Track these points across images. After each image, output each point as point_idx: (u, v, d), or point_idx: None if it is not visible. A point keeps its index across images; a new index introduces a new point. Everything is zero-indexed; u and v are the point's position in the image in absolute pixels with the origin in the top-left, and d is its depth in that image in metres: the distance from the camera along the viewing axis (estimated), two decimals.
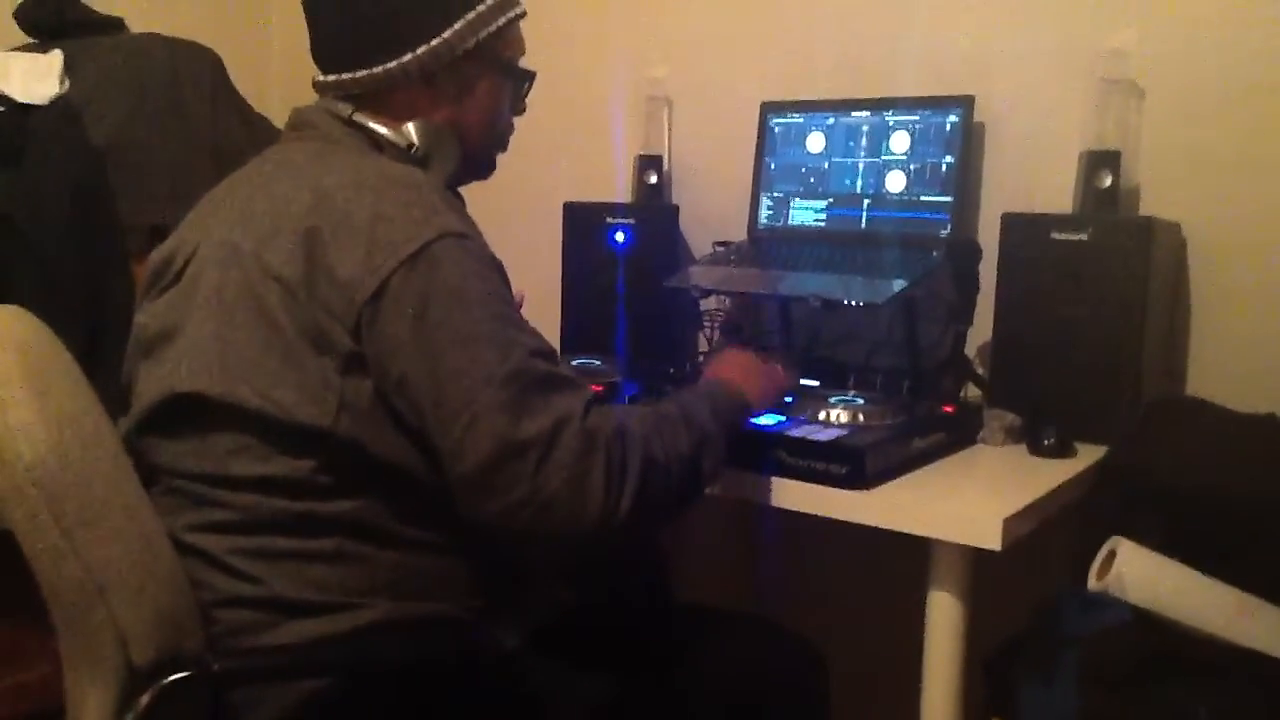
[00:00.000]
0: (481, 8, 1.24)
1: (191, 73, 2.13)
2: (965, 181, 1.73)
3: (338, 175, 1.10)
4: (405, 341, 1.01)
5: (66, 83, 1.92)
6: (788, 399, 1.43)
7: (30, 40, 2.10)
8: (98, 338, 1.77)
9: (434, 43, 1.20)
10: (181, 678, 0.98)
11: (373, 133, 1.21)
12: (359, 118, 1.21)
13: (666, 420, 1.12)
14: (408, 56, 1.20)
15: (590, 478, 1.00)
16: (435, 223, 1.06)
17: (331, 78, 1.22)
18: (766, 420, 1.35)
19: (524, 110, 1.36)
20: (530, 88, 1.35)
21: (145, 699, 0.96)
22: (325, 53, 1.24)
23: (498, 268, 1.11)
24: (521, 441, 0.98)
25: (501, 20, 1.26)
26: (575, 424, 1.01)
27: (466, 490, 1.01)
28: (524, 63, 1.34)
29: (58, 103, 1.88)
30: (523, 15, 1.29)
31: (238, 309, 1.06)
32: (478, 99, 1.28)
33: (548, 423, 0.99)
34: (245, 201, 1.13)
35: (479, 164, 1.33)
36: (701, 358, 1.90)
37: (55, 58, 1.93)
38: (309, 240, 1.04)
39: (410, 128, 1.22)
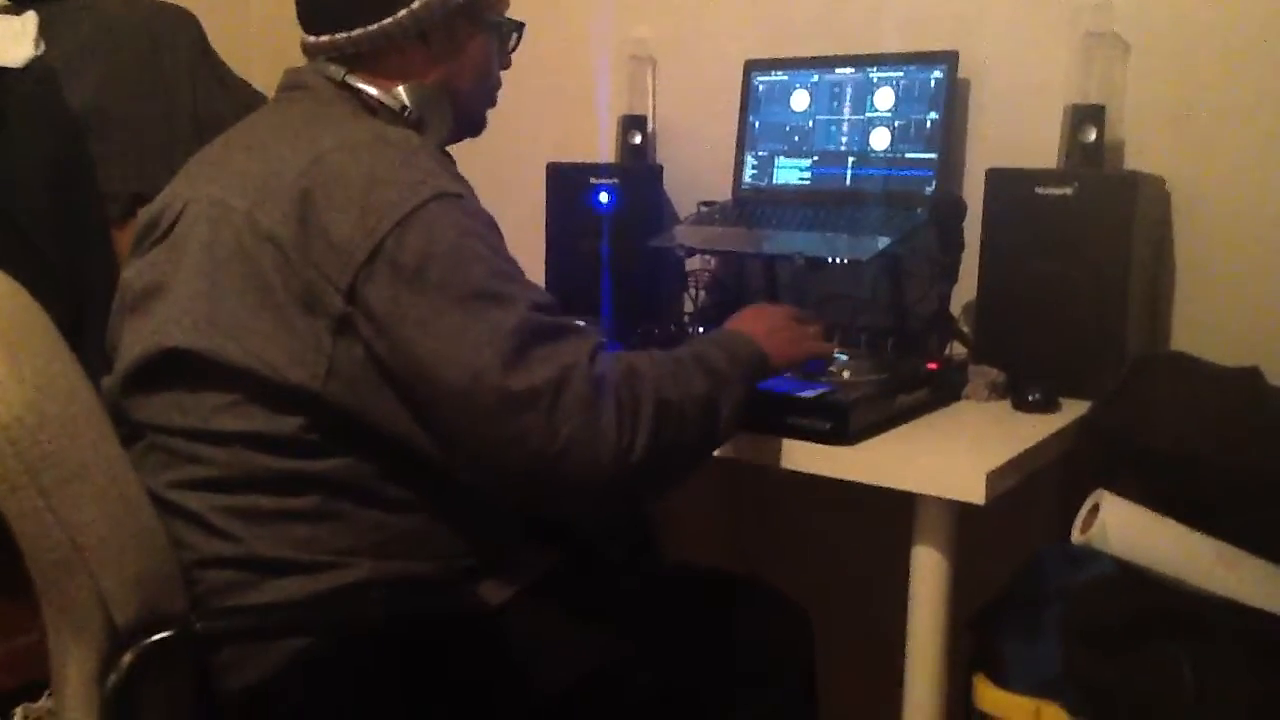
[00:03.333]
0: None
1: (170, 37, 2.10)
2: (950, 138, 1.72)
3: (332, 137, 1.09)
4: (403, 303, 1.00)
5: (42, 45, 1.89)
6: (813, 365, 1.38)
7: (4, 4, 2.07)
8: (82, 307, 1.76)
9: None
10: (163, 638, 0.98)
11: (366, 96, 1.20)
12: (352, 79, 1.20)
13: (680, 363, 1.12)
14: (402, 12, 1.19)
15: (602, 420, 1.00)
16: (430, 183, 1.05)
17: (325, 38, 1.21)
18: None
19: (510, 65, 1.35)
20: (519, 40, 1.34)
21: (127, 659, 0.96)
22: (316, 13, 1.22)
23: (493, 226, 1.11)
24: (529, 390, 0.98)
25: None
26: (582, 369, 1.01)
27: (479, 450, 1.01)
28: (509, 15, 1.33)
29: (33, 66, 1.85)
30: None
31: (229, 268, 1.05)
32: (469, 56, 1.27)
33: (554, 371, 0.99)
34: (239, 162, 1.12)
35: (472, 122, 1.33)
36: (687, 318, 1.90)
37: (30, 19, 1.90)
38: (303, 202, 1.03)
39: (402, 90, 1.21)
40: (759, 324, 1.29)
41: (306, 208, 1.03)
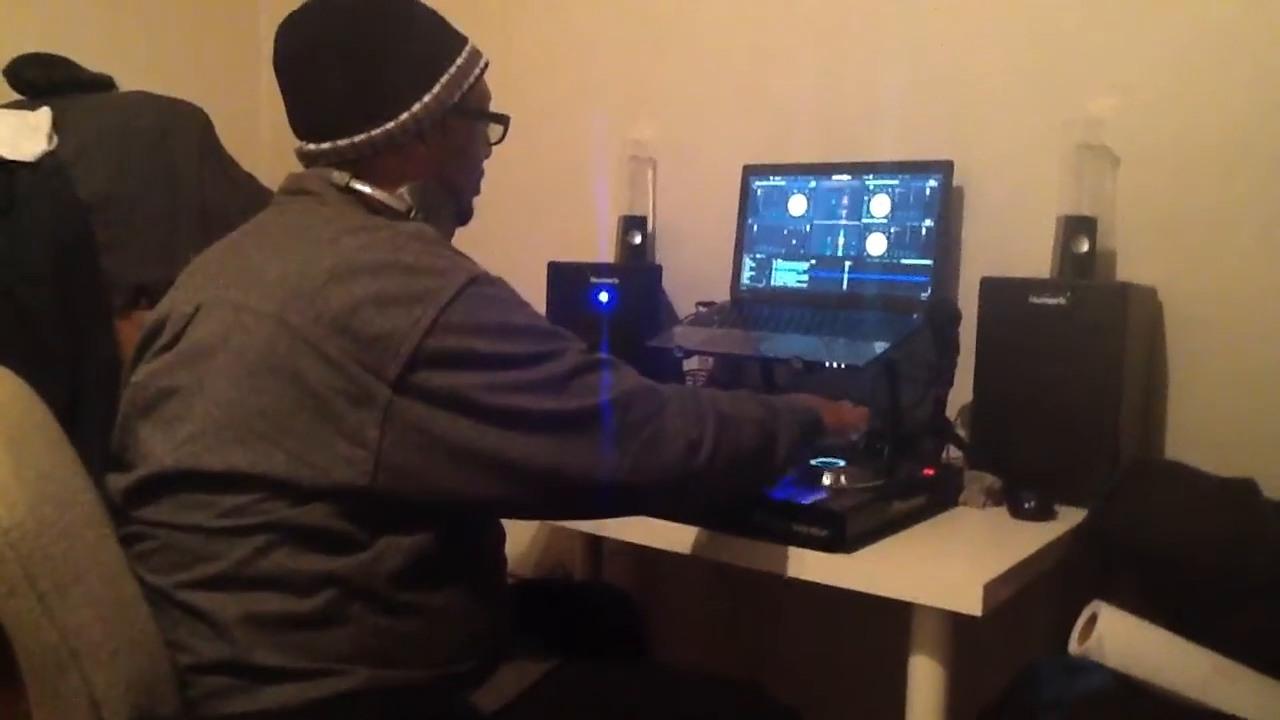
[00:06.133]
0: (460, 60, 1.26)
1: (180, 131, 2.14)
2: (945, 245, 1.75)
3: (352, 236, 1.11)
4: (469, 380, 1.04)
5: (55, 140, 1.92)
6: (855, 436, 1.48)
7: (19, 98, 2.11)
8: (80, 394, 1.76)
9: (426, 100, 1.22)
10: None
11: (369, 198, 1.22)
12: (356, 185, 1.21)
13: (736, 395, 1.25)
14: (404, 116, 1.21)
15: (666, 426, 1.11)
16: (463, 267, 1.10)
17: (326, 145, 1.22)
18: None
19: (491, 153, 1.38)
20: (506, 132, 1.37)
21: None
22: (315, 122, 1.23)
23: (521, 300, 1.16)
24: (598, 408, 1.08)
25: (476, 70, 1.29)
26: (643, 389, 1.13)
27: (558, 478, 1.08)
28: (493, 107, 1.36)
29: (45, 160, 1.89)
30: (488, 65, 1.32)
31: (264, 374, 1.05)
32: (461, 149, 1.30)
33: (618, 390, 1.10)
34: (258, 266, 1.12)
35: (461, 211, 1.35)
36: None
37: (43, 115, 1.94)
38: (336, 301, 1.04)
39: (406, 192, 1.23)
40: (811, 399, 1.41)
41: (341, 307, 1.04)
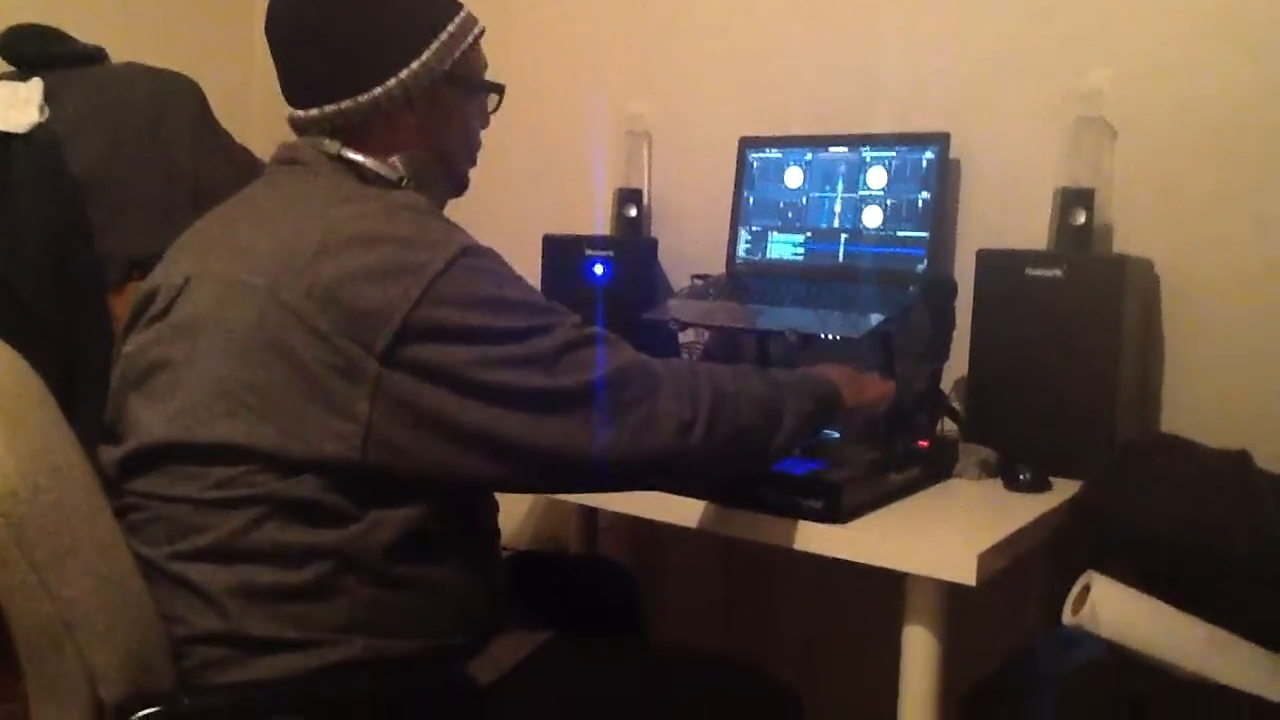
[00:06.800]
0: (451, 27, 1.25)
1: (172, 104, 2.13)
2: (941, 217, 1.75)
3: (343, 208, 1.10)
4: (457, 354, 1.03)
5: (46, 112, 1.91)
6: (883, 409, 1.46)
7: (10, 69, 2.10)
8: (74, 369, 1.76)
9: (414, 66, 1.21)
10: (150, 714, 0.97)
11: (361, 167, 1.21)
12: (347, 153, 1.21)
13: (744, 370, 1.23)
14: (391, 82, 1.20)
15: (661, 401, 1.10)
16: (454, 239, 1.08)
17: (314, 111, 1.22)
18: None
19: (489, 124, 1.37)
20: (500, 101, 1.36)
21: None
22: (304, 87, 1.23)
23: (514, 272, 1.14)
24: (591, 385, 1.07)
25: (469, 39, 1.27)
26: (638, 363, 1.12)
27: (551, 454, 1.06)
28: (490, 76, 1.35)
29: (37, 132, 1.88)
30: (483, 33, 1.30)
31: (254, 347, 1.04)
32: (454, 119, 1.28)
33: (612, 366, 1.09)
34: (247, 238, 1.12)
35: (457, 182, 1.34)
36: None
37: (35, 86, 1.93)
38: (325, 274, 1.03)
39: (398, 160, 1.22)
40: (835, 371, 1.37)
41: (330, 280, 1.03)
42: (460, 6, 1.28)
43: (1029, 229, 1.72)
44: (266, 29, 1.23)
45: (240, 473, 1.04)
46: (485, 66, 1.33)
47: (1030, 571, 1.35)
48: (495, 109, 1.36)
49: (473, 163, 1.36)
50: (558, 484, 1.23)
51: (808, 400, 1.24)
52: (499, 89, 1.34)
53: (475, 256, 1.08)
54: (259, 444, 1.03)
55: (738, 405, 1.15)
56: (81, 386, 1.69)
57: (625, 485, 1.20)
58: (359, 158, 1.20)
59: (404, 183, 1.22)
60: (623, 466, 1.10)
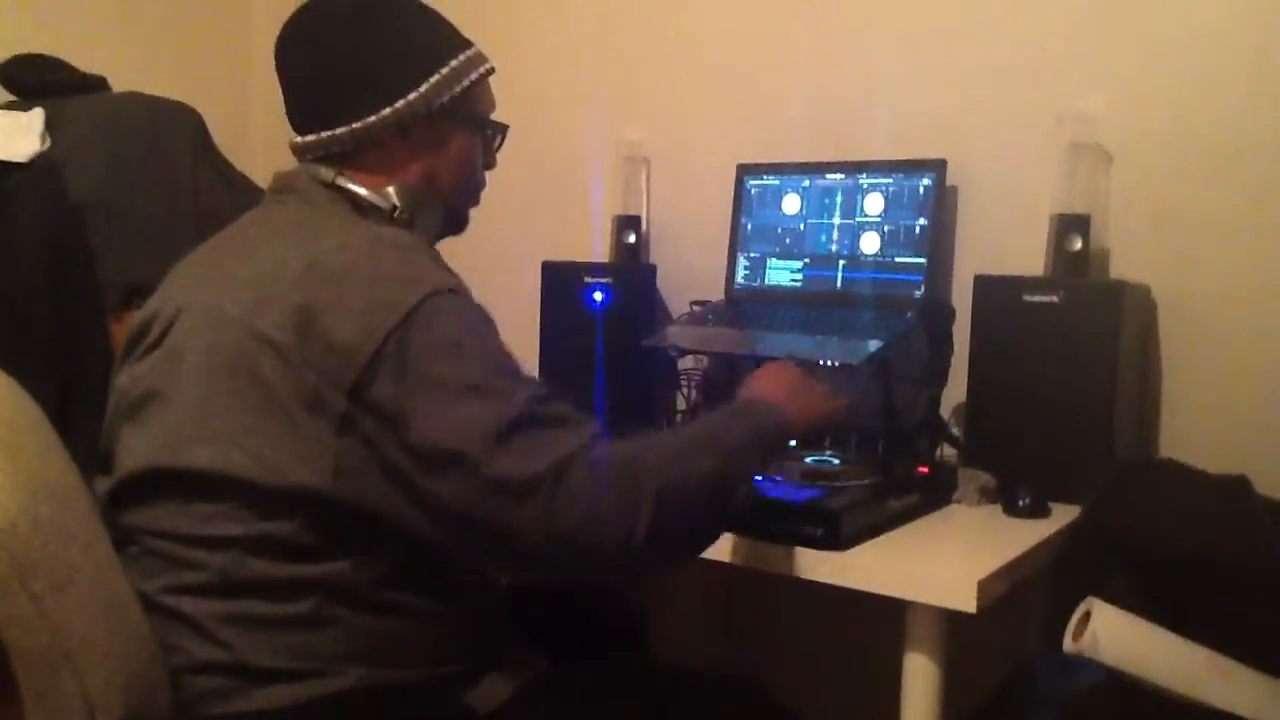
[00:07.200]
0: (455, 63, 1.26)
1: (172, 131, 2.14)
2: (938, 243, 1.75)
3: (326, 240, 1.10)
4: (406, 399, 1.01)
5: (48, 140, 1.92)
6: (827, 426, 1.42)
7: (12, 99, 2.11)
8: (72, 395, 1.76)
9: (411, 96, 1.22)
10: None
11: (355, 196, 1.21)
12: (341, 182, 1.21)
13: (692, 440, 1.14)
14: (386, 110, 1.21)
15: (601, 508, 1.01)
16: (429, 279, 1.07)
17: (310, 137, 1.23)
18: None
19: (495, 164, 1.37)
20: (503, 142, 1.36)
21: None
22: (302, 112, 1.24)
23: (489, 322, 1.12)
24: (527, 479, 0.99)
25: (473, 76, 1.28)
26: (580, 459, 1.02)
27: (480, 540, 1.03)
28: (496, 117, 1.35)
29: (38, 160, 1.89)
30: (491, 72, 1.31)
31: (229, 373, 1.05)
32: (452, 154, 1.29)
33: (550, 461, 1.01)
34: (231, 267, 1.13)
35: (455, 219, 1.34)
36: (680, 416, 1.91)
37: (36, 115, 1.94)
38: (301, 305, 1.04)
39: (392, 190, 1.22)
40: (780, 387, 1.31)
41: (305, 312, 1.04)
42: (469, 44, 1.29)
43: (1026, 254, 1.72)
44: (275, 53, 1.25)
45: (222, 509, 1.04)
46: (492, 106, 1.34)
47: (1030, 596, 1.35)
48: (498, 147, 1.36)
49: (474, 202, 1.35)
50: (504, 565, 1.19)
51: (755, 449, 1.19)
52: (502, 128, 1.35)
53: (448, 297, 1.07)
54: (236, 472, 1.03)
55: (686, 492, 1.08)
56: (79, 411, 1.69)
57: (579, 576, 1.16)
58: (353, 186, 1.21)
59: (397, 214, 1.22)
60: (555, 563, 1.06)
